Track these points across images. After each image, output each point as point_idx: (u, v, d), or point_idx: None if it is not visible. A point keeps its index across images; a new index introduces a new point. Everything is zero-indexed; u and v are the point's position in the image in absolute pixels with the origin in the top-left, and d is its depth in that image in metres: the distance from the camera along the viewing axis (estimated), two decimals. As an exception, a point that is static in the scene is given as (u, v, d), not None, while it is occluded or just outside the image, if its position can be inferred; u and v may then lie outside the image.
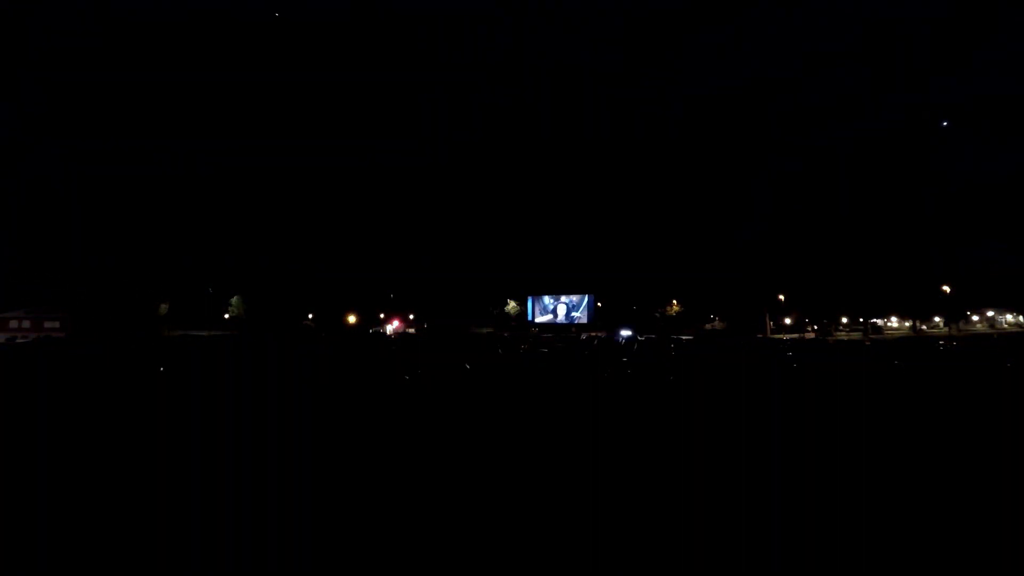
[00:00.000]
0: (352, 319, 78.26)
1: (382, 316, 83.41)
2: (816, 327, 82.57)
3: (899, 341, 52.11)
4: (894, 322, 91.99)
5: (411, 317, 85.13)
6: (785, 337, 69.21)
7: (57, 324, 67.81)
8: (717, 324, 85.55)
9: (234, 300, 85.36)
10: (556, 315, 77.44)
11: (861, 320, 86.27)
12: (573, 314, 79.14)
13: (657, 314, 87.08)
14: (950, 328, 78.04)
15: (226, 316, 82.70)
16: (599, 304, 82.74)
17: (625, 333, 57.09)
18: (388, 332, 73.31)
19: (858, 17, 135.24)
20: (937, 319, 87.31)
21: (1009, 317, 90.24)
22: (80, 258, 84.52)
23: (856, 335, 74.81)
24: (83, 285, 77.76)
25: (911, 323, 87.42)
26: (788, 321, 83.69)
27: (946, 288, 77.53)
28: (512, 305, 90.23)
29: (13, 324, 67.33)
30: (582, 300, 78.37)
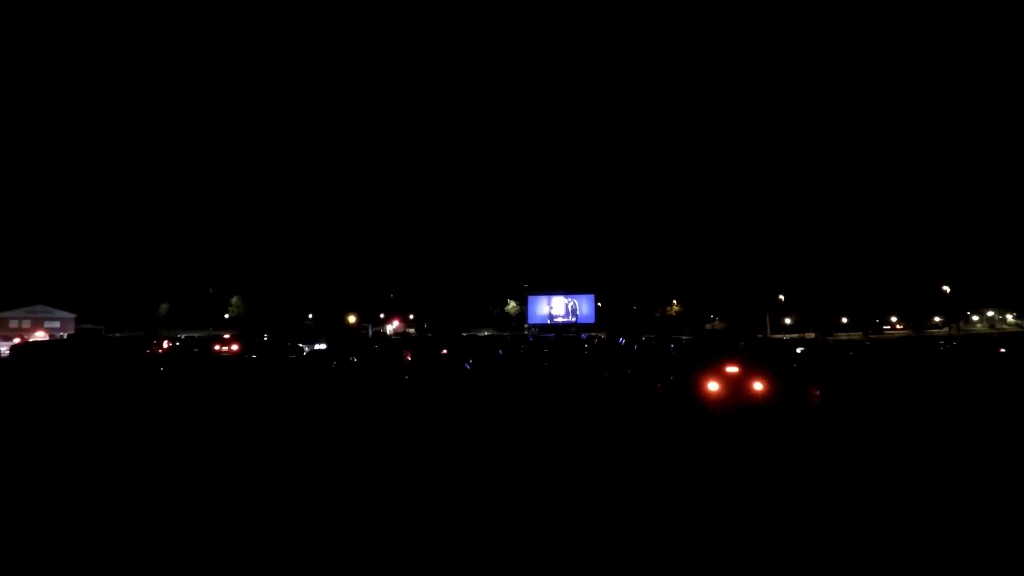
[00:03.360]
0: (352, 319, 78.23)
1: (382, 316, 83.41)
2: (815, 327, 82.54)
3: (899, 341, 52.08)
4: (894, 320, 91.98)
5: (411, 317, 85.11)
6: (785, 337, 69.19)
7: (57, 324, 67.69)
8: (717, 324, 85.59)
9: (234, 300, 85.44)
10: (556, 315, 77.32)
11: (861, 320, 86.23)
12: (573, 314, 79.09)
13: (657, 314, 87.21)
14: (950, 328, 78.04)
15: (226, 316, 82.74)
16: (599, 304, 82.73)
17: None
18: (388, 332, 73.31)
19: (858, 16, 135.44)
20: (937, 319, 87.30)
21: (1009, 317, 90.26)
22: (80, 258, 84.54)
23: (856, 335, 74.80)
24: (83, 285, 77.76)
25: (911, 323, 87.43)
26: (788, 321, 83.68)
27: (946, 288, 77.53)
28: (512, 305, 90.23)
29: (13, 324, 67.21)
30: (582, 300, 78.23)
